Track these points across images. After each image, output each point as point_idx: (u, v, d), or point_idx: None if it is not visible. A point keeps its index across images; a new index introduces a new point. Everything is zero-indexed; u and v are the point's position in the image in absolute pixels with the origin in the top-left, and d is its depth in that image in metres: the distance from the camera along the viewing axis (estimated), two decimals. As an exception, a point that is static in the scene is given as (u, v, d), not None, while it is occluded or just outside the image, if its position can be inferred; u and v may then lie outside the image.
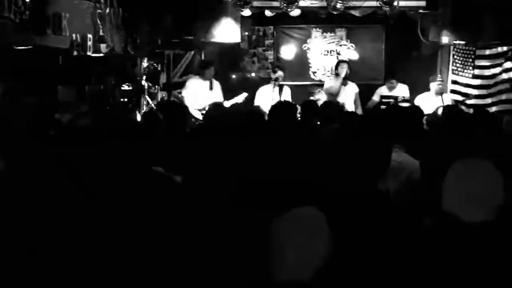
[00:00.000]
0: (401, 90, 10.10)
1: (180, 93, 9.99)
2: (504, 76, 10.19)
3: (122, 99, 8.54)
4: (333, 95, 9.76)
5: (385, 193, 3.34)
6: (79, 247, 2.88)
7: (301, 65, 12.74)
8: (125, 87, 8.71)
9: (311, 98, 10.39)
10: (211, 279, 2.66)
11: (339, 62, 10.35)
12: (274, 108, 6.16)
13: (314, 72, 12.77)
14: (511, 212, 2.55)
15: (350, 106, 9.70)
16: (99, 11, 7.81)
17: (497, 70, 10.37)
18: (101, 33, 7.77)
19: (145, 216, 3.03)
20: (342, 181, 3.10)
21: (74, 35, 7.03)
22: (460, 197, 2.49)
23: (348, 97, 9.89)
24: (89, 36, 7.43)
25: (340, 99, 9.52)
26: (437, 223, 2.60)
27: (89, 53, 7.39)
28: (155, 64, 9.96)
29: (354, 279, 2.48)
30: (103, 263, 2.83)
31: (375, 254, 2.57)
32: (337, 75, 10.08)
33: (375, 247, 2.61)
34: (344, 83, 9.98)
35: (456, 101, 10.09)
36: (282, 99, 9.31)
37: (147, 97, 9.52)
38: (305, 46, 12.75)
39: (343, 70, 9.99)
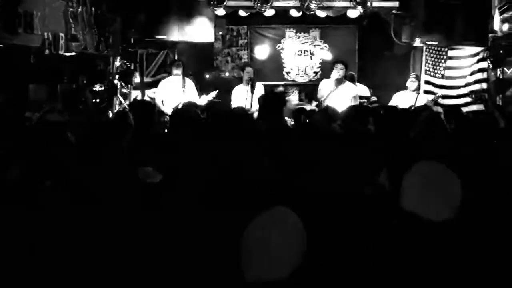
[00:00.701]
0: (363, 90, 10.00)
1: (154, 92, 9.91)
2: (478, 76, 10.31)
3: (94, 100, 8.49)
4: (322, 97, 9.42)
5: (369, 195, 3.36)
6: (63, 246, 2.87)
7: (275, 65, 12.80)
8: (97, 87, 8.65)
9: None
10: (185, 279, 2.66)
11: (334, 63, 9.53)
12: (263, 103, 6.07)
13: (287, 72, 12.82)
14: (469, 214, 2.59)
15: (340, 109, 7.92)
16: (71, 9, 7.75)
17: (468, 71, 10.49)
18: (73, 32, 7.71)
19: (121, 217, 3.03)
20: (332, 182, 3.12)
21: (46, 34, 6.97)
22: (418, 199, 2.52)
23: (340, 100, 8.75)
24: (61, 34, 7.37)
25: (330, 102, 8.66)
26: (400, 223, 2.62)
27: (61, 52, 7.34)
28: (127, 63, 9.90)
29: (331, 278, 2.50)
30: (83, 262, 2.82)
31: (352, 253, 2.60)
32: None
33: (352, 246, 2.63)
34: (337, 85, 9.16)
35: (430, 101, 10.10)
36: (256, 96, 9.13)
37: (119, 96, 9.46)
38: (279, 46, 12.80)
39: (336, 71, 9.20)
